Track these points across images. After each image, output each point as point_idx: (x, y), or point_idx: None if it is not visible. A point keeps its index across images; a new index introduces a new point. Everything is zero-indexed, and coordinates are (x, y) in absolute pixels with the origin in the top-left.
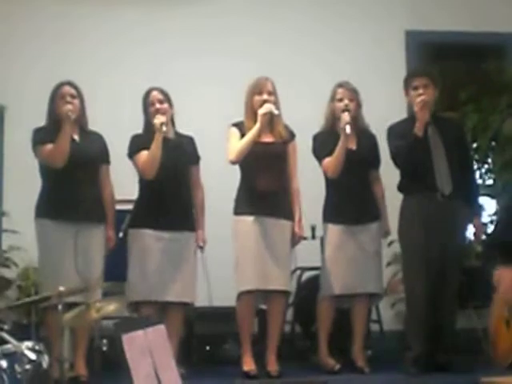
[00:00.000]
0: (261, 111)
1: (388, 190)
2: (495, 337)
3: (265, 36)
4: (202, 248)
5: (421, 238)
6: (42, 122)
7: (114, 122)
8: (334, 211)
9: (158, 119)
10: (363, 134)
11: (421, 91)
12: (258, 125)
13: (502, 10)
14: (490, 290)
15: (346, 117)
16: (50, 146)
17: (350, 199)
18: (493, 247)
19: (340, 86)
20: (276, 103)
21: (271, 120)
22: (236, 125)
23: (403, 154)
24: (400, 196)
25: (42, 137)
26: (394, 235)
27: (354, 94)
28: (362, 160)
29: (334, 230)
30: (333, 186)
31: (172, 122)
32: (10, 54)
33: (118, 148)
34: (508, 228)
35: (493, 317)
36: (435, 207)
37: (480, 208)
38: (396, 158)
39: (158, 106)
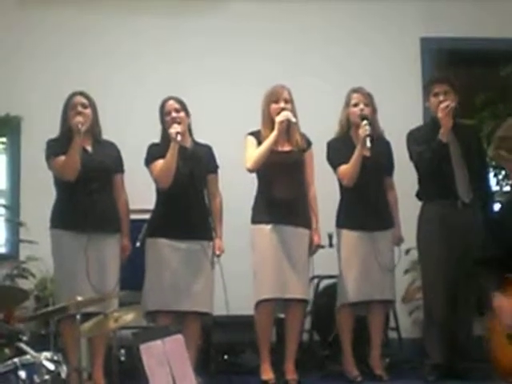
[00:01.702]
0: (278, 119)
1: (403, 196)
2: (497, 352)
3: (282, 43)
4: (218, 257)
5: (440, 244)
6: (57, 132)
7: (131, 130)
8: (349, 217)
9: (174, 129)
10: (378, 140)
11: (441, 98)
12: (275, 132)
13: None
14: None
15: (366, 128)
16: (61, 159)
17: (365, 205)
18: (479, 264)
19: (355, 91)
20: (293, 111)
21: (288, 128)
22: (253, 133)
23: (426, 159)
24: (414, 203)
25: (54, 149)
26: (411, 243)
27: (369, 99)
28: (377, 166)
29: (349, 236)
30: (347, 192)
31: (189, 130)
32: (23, 64)
33: (135, 157)
34: (490, 243)
35: (492, 331)
36: (455, 214)
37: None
38: (418, 163)
39: (174, 114)
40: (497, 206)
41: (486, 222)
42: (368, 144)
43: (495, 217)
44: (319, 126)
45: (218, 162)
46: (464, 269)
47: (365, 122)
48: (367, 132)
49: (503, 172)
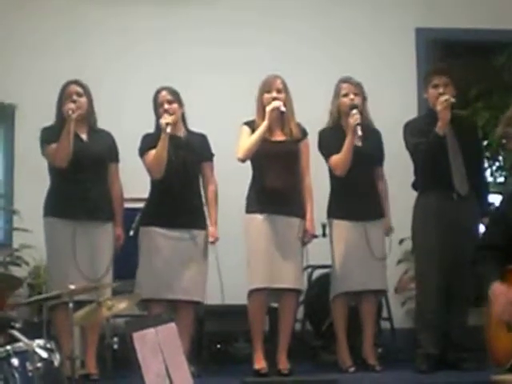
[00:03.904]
0: (268, 108)
1: (397, 187)
2: (493, 339)
3: (275, 32)
4: (212, 244)
5: (435, 236)
6: (52, 120)
7: (124, 119)
8: (340, 207)
9: (164, 119)
10: (368, 130)
11: (441, 90)
12: (265, 122)
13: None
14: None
15: (356, 117)
16: (54, 146)
17: (356, 195)
18: (481, 250)
19: (344, 81)
20: (286, 101)
21: (282, 118)
22: (247, 123)
23: (423, 151)
24: (408, 194)
25: (48, 136)
26: (404, 233)
27: (358, 88)
28: (368, 156)
29: (340, 225)
30: (338, 182)
31: (183, 120)
32: (17, 52)
33: (129, 146)
34: (493, 232)
35: (489, 318)
36: (451, 206)
37: (489, 207)
38: (414, 155)
39: (166, 106)
40: (492, 197)
41: (489, 213)
42: (359, 133)
43: (498, 207)
44: (314, 116)
45: (215, 151)
46: (458, 260)
47: (354, 111)
48: (358, 121)
49: (497, 163)
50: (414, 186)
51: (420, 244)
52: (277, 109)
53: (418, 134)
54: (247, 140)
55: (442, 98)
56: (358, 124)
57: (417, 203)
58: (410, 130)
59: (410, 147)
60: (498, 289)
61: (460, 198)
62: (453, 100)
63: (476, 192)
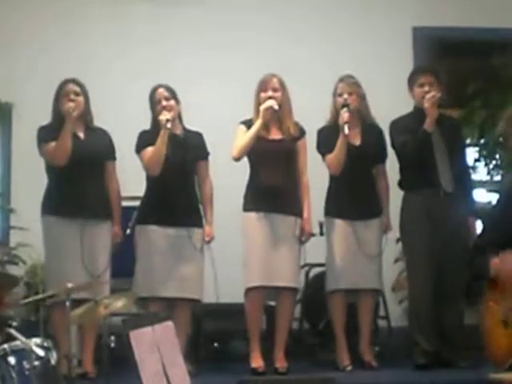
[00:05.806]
0: (261, 107)
1: (393, 185)
2: (491, 339)
3: (272, 32)
4: (208, 243)
5: (424, 234)
6: (49, 119)
7: (122, 118)
8: (336, 205)
9: (164, 115)
10: (368, 128)
11: (427, 88)
12: (259, 120)
13: (509, 5)
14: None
15: (344, 115)
16: (52, 144)
17: (353, 195)
18: (479, 249)
19: (340, 80)
20: (283, 99)
21: (278, 116)
22: (244, 122)
23: (410, 148)
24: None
25: (45, 135)
26: None
27: (353, 88)
28: (366, 155)
29: (336, 224)
30: (336, 180)
31: (179, 118)
32: (16, 51)
33: (125, 144)
34: (491, 230)
35: (486, 317)
36: (438, 204)
37: (474, 206)
38: (401, 152)
39: (164, 103)
40: (489, 196)
41: (484, 211)
42: (346, 131)
43: (496, 205)
44: (309, 114)
45: (212, 149)
46: (448, 257)
47: (344, 109)
48: (345, 119)
49: (494, 162)
50: (401, 184)
51: (409, 242)
52: (270, 108)
53: (405, 131)
54: (242, 138)
55: (429, 95)
56: (345, 122)
57: (404, 202)
58: (397, 128)
59: (397, 145)
60: (504, 256)
61: (447, 195)
62: (438, 95)
63: (461, 190)
